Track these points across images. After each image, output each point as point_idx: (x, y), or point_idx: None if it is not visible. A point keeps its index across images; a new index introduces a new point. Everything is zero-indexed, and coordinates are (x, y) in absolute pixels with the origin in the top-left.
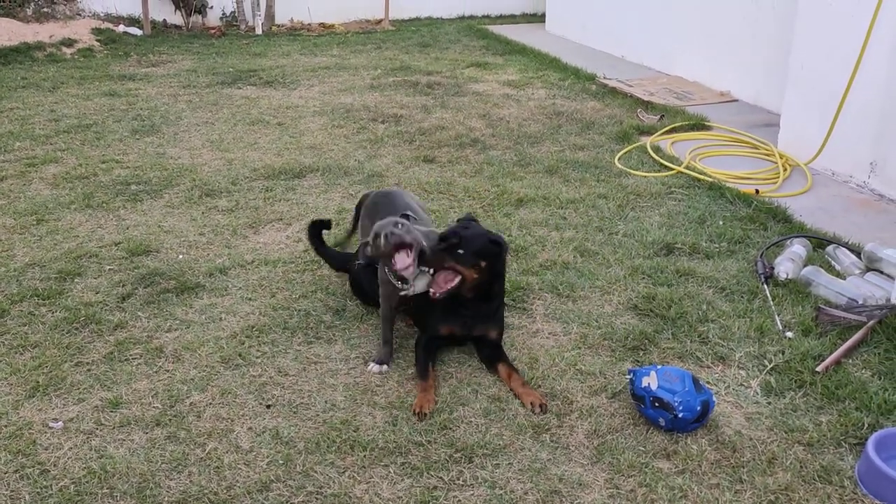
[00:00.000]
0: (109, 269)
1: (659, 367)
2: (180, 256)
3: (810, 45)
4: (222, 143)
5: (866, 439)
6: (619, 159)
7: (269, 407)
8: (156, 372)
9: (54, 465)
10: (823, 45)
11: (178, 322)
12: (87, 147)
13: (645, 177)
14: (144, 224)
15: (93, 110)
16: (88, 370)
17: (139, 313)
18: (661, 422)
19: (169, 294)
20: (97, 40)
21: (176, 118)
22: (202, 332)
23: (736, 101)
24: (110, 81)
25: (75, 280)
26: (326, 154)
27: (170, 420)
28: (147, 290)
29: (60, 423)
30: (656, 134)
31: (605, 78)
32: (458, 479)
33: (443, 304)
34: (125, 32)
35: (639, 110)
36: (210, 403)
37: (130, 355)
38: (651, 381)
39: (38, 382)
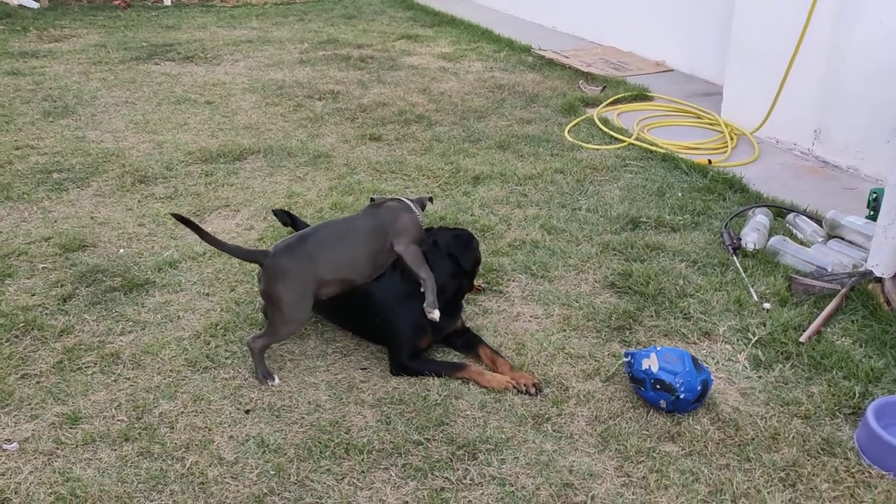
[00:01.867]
0: (43, 268)
1: (658, 348)
2: (121, 251)
3: (753, 14)
4: (148, 124)
5: (860, 408)
6: (568, 132)
7: (248, 412)
8: (114, 381)
9: (16, 493)
10: (767, 15)
11: (131, 324)
12: None
13: (598, 149)
14: (74, 216)
15: None
16: (38, 382)
17: (85, 316)
18: (663, 404)
19: (116, 293)
20: None
21: (91, 98)
22: (160, 333)
23: (672, 70)
24: (11, 59)
25: (6, 282)
26: (265, 134)
27: (139, 434)
28: (90, 289)
29: (15, 444)
30: (601, 105)
31: (540, 49)
32: (465, 478)
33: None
34: (20, 5)
35: (580, 81)
36: (182, 412)
37: (83, 364)
38: (652, 364)
39: None
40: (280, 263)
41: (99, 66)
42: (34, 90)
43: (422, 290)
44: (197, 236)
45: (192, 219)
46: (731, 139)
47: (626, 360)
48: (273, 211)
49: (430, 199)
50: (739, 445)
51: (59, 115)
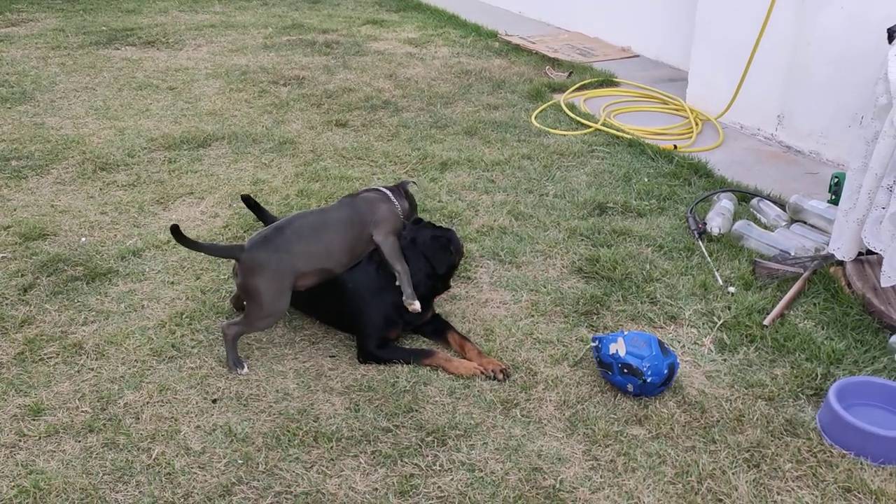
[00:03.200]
0: (3, 258)
1: (626, 332)
2: (83, 239)
3: (718, 0)
4: (109, 110)
5: (822, 390)
6: (535, 118)
7: (215, 401)
8: (78, 371)
9: None
10: (731, 1)
11: (94, 314)
12: None
13: (564, 135)
14: (34, 204)
15: None
16: None
17: (46, 306)
18: (630, 388)
19: (78, 282)
20: None
21: (50, 83)
22: (124, 322)
23: (637, 56)
24: None
25: None
26: (229, 120)
27: (104, 425)
28: (51, 279)
29: None
30: (568, 91)
31: (507, 35)
32: (435, 464)
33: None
34: None
35: (547, 67)
36: (148, 402)
37: (45, 354)
38: (619, 348)
39: None
40: (257, 257)
41: (58, 51)
42: None
43: (397, 283)
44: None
45: (155, 207)
46: (697, 125)
47: (593, 344)
48: (241, 196)
49: (413, 183)
50: (705, 427)
51: (17, 100)
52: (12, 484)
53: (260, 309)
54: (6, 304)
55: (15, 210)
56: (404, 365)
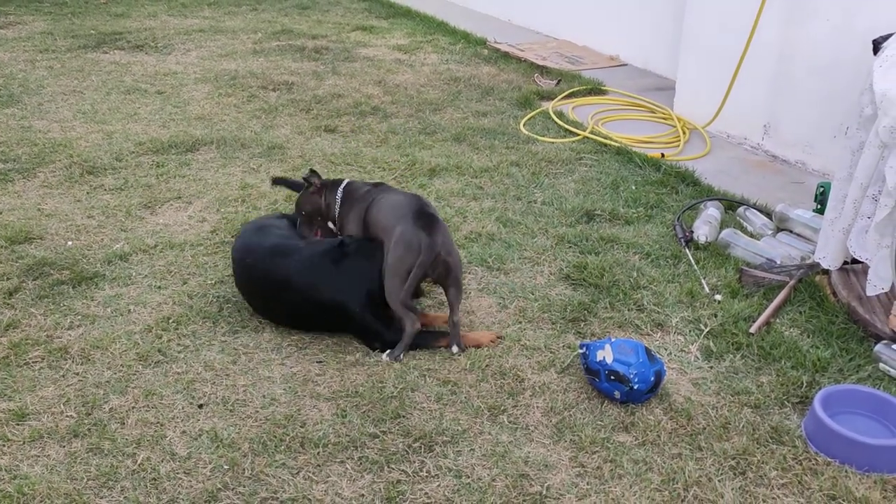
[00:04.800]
0: None
1: (613, 339)
2: (70, 243)
3: (704, 10)
4: (97, 114)
5: (808, 398)
6: (524, 125)
7: (201, 407)
8: (63, 376)
9: None
10: (718, 11)
11: (80, 318)
12: None
13: (553, 143)
14: (20, 207)
15: None
16: None
17: (32, 310)
18: (617, 395)
19: (64, 286)
20: None
21: (37, 86)
22: (110, 327)
23: (625, 65)
24: None
25: None
26: (218, 125)
27: (89, 430)
28: (37, 282)
29: None
30: (556, 99)
31: (495, 42)
32: (422, 470)
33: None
34: None
35: (536, 75)
36: (133, 407)
37: (30, 359)
38: (606, 355)
39: None
40: (443, 228)
41: (45, 55)
42: None
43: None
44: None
45: (142, 211)
46: (684, 133)
47: (581, 351)
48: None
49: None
50: (691, 435)
51: (4, 103)
52: None
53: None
54: None
55: (0, 213)
56: (392, 371)
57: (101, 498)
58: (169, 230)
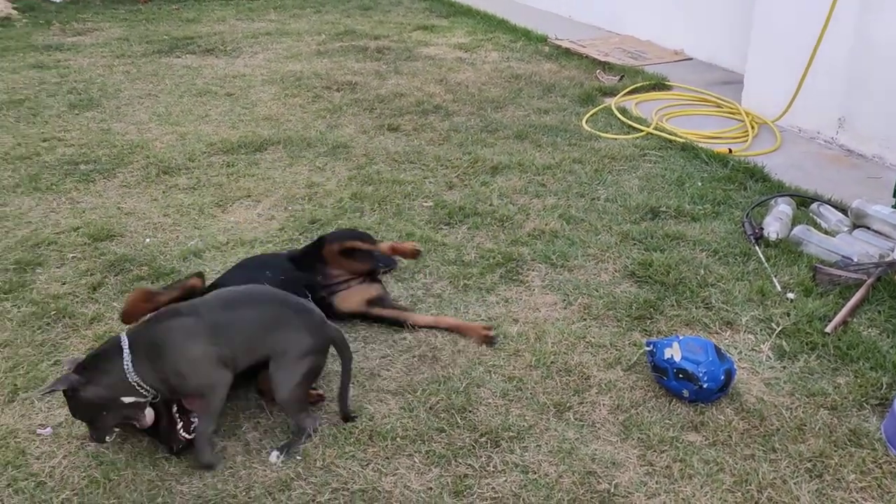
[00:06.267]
0: (73, 257)
1: (681, 337)
2: (147, 240)
3: (776, 1)
4: (170, 116)
5: (888, 399)
6: (586, 122)
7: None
8: None
9: (50, 476)
10: (790, 1)
11: None
12: (22, 124)
13: (615, 139)
14: (101, 206)
15: (22, 84)
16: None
17: (114, 304)
18: (685, 393)
19: (143, 282)
20: (14, 8)
21: (115, 91)
22: None
23: (690, 59)
24: (36, 52)
25: (36, 270)
26: (284, 125)
27: None
28: (118, 278)
29: (49, 429)
30: (619, 95)
31: (557, 39)
32: (488, 465)
33: None
34: None
35: (598, 71)
36: None
37: None
38: (674, 353)
39: (15, 385)
40: None
41: (122, 60)
42: (59, 83)
43: None
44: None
45: (214, 209)
46: (752, 128)
47: (647, 349)
48: None
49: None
50: (764, 436)
51: (85, 107)
52: (84, 475)
53: None
54: (77, 302)
55: (84, 212)
56: (457, 367)
57: (183, 485)
58: (239, 228)
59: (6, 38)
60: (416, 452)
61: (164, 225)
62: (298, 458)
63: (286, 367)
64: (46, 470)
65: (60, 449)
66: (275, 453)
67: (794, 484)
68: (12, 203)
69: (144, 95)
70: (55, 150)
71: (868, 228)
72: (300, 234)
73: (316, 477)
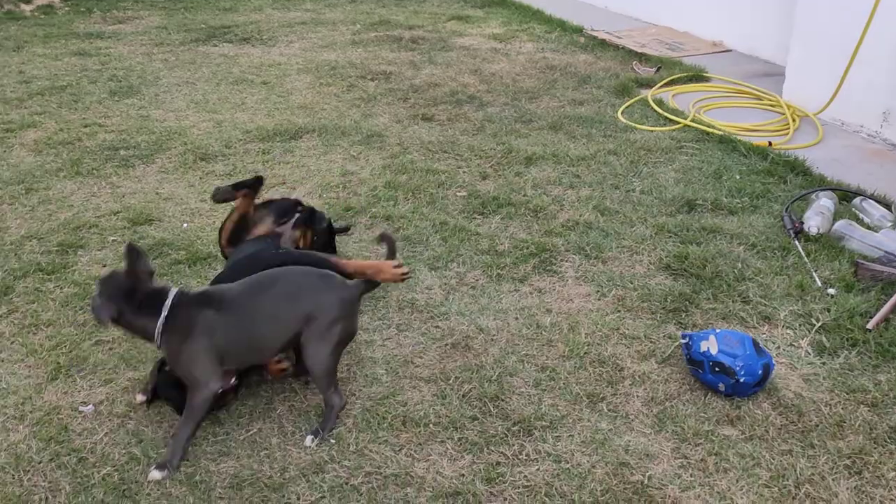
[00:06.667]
0: (113, 241)
1: (718, 330)
2: (185, 225)
3: None
4: (207, 103)
5: None
6: (621, 113)
7: (307, 383)
8: None
9: (91, 452)
10: None
11: None
12: (64, 110)
13: (651, 131)
14: (141, 191)
15: (64, 71)
16: (110, 349)
17: None
18: (721, 387)
19: (181, 265)
20: None
21: (154, 78)
22: None
23: (729, 51)
24: (77, 40)
25: (78, 252)
26: (319, 114)
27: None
28: (157, 261)
29: (91, 406)
30: (655, 87)
31: (593, 30)
32: (521, 453)
33: None
34: None
35: (634, 62)
36: (243, 379)
37: None
38: (711, 346)
39: (58, 364)
40: None
41: (161, 48)
42: (100, 70)
43: None
44: None
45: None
46: (794, 121)
47: (683, 341)
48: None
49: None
50: (802, 431)
51: (125, 94)
52: (124, 451)
53: None
54: None
55: (123, 196)
56: (486, 352)
57: (219, 464)
58: None
59: (49, 25)
60: (448, 439)
61: (201, 210)
62: (332, 441)
63: (318, 337)
64: (88, 446)
65: (102, 426)
66: (309, 437)
67: (833, 480)
68: (55, 187)
69: (182, 83)
70: (96, 135)
71: None
72: (334, 222)
73: (349, 461)
